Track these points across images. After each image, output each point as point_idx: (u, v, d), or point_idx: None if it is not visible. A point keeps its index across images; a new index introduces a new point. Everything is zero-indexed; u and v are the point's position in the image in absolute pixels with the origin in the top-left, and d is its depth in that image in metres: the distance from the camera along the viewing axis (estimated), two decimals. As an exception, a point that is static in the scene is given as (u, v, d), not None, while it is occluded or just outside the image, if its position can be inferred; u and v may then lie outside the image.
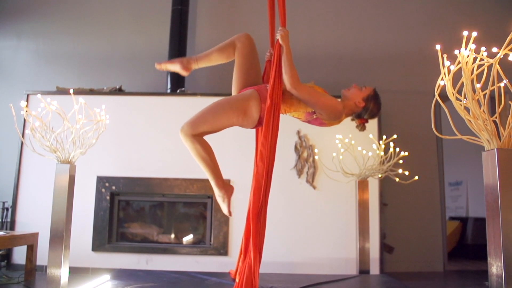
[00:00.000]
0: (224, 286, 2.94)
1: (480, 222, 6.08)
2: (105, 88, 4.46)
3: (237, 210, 4.08)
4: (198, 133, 2.28)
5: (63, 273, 2.59)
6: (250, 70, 2.51)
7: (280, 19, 2.44)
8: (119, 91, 4.40)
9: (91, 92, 4.32)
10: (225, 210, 2.39)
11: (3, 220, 4.10)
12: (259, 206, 2.15)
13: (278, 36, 2.33)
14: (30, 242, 3.64)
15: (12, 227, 4.07)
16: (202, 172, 4.10)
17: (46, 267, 3.00)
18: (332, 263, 3.96)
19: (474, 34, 1.92)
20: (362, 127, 2.52)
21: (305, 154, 4.19)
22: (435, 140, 4.82)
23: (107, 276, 3.06)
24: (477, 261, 5.43)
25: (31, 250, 3.65)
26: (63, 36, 5.09)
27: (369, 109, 2.45)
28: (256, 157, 2.33)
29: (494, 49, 1.90)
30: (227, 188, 2.35)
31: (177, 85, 4.60)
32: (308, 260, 3.98)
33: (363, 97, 2.43)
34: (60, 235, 2.61)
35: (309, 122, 2.47)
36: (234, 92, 2.54)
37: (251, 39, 2.51)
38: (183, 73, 2.52)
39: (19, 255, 3.99)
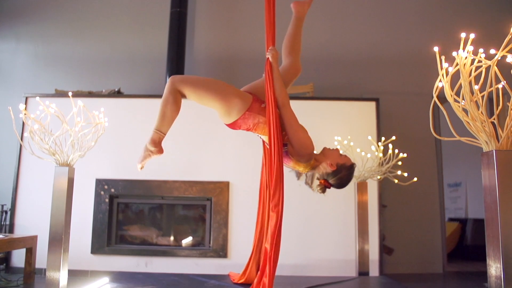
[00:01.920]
0: (225, 287, 2.94)
1: (479, 223, 6.08)
2: (103, 90, 4.46)
3: (236, 213, 4.09)
4: (181, 88, 2.32)
5: (62, 276, 2.58)
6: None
7: (267, 39, 2.47)
8: (117, 94, 4.40)
9: (90, 94, 4.32)
10: (141, 161, 2.41)
11: (2, 223, 4.09)
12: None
13: (269, 56, 2.38)
14: (29, 245, 3.64)
15: (11, 230, 4.06)
16: (201, 174, 4.12)
17: (45, 270, 3.00)
18: (331, 265, 3.96)
19: (472, 35, 1.92)
20: (322, 189, 2.46)
21: (304, 156, 4.18)
22: (434, 141, 4.82)
23: (106, 279, 3.06)
24: (477, 262, 5.43)
25: (30, 253, 3.64)
26: (61, 38, 5.09)
27: (337, 176, 2.39)
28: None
29: (492, 51, 1.90)
30: (159, 148, 2.39)
31: (176, 87, 4.60)
32: (307, 262, 3.97)
33: (337, 162, 2.39)
34: (59, 238, 2.60)
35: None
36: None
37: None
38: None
39: (18, 258, 3.98)
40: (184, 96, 2.34)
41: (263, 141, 2.65)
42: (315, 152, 2.42)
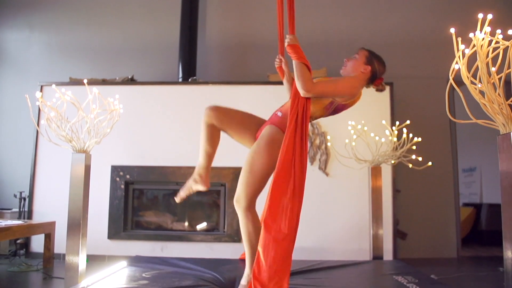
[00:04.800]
0: (240, 270, 2.97)
1: (494, 208, 6.04)
2: (117, 78, 4.49)
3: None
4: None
5: (81, 261, 2.63)
6: (246, 122, 2.60)
7: (289, 25, 2.40)
8: (131, 81, 4.42)
9: (104, 82, 4.36)
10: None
11: (21, 209, 4.18)
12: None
13: (287, 43, 2.31)
14: (48, 230, 3.71)
15: (29, 217, 4.15)
16: (215, 160, 4.13)
17: (63, 255, 3.07)
18: (345, 250, 3.98)
19: (490, 16, 1.89)
20: (381, 86, 2.53)
21: (317, 141, 4.19)
22: (448, 126, 4.78)
23: (124, 263, 3.11)
24: (491, 247, 5.41)
25: (49, 239, 3.72)
26: (74, 27, 5.12)
27: (376, 68, 2.44)
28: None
29: (510, 32, 1.87)
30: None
31: (189, 74, 4.62)
32: (322, 246, 4.00)
33: (363, 62, 2.43)
34: (77, 224, 2.65)
35: (332, 113, 2.48)
36: (247, 142, 2.61)
37: (214, 109, 2.50)
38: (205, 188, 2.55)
39: (37, 243, 4.07)
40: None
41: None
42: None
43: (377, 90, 2.54)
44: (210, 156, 2.48)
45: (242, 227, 2.30)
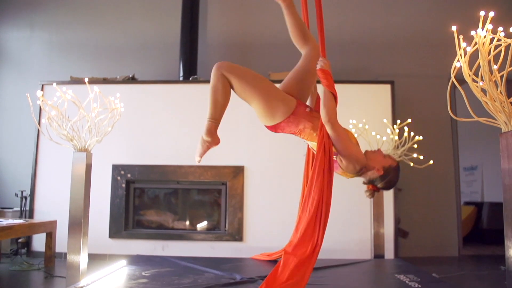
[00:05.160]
0: (241, 268, 2.97)
1: (495, 207, 6.03)
2: (118, 77, 4.48)
3: (251, 197, 4.11)
4: (228, 75, 2.15)
5: (82, 259, 2.63)
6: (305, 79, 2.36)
7: (319, 31, 2.28)
8: (132, 80, 4.42)
9: (105, 81, 4.35)
10: (199, 155, 2.29)
11: (22, 208, 4.18)
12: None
13: (319, 66, 2.20)
14: (49, 229, 3.72)
15: (31, 215, 4.15)
16: (216, 159, 4.14)
17: (64, 254, 3.07)
18: (347, 248, 3.97)
19: (491, 14, 1.89)
20: (371, 193, 2.40)
21: (318, 140, 4.18)
22: (449, 124, 4.77)
23: (123, 262, 3.12)
24: (492, 246, 5.40)
25: (50, 238, 3.72)
26: (75, 26, 5.12)
27: (386, 179, 2.31)
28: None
29: (512, 29, 1.87)
30: (214, 137, 2.21)
31: (190, 72, 4.61)
32: (323, 245, 3.98)
33: (384, 166, 2.29)
34: (78, 223, 2.65)
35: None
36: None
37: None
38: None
39: (38, 242, 4.07)
40: (229, 79, 2.17)
41: (308, 146, 2.56)
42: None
43: (366, 192, 2.42)
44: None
45: (212, 86, 2.19)
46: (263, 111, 2.22)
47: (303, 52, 2.45)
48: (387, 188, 2.37)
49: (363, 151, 2.31)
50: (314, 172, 2.16)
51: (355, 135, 2.50)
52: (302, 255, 2.09)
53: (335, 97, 2.16)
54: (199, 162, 2.28)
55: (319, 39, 2.28)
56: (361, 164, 2.25)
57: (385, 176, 2.30)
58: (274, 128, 2.29)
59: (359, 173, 2.30)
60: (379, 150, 2.36)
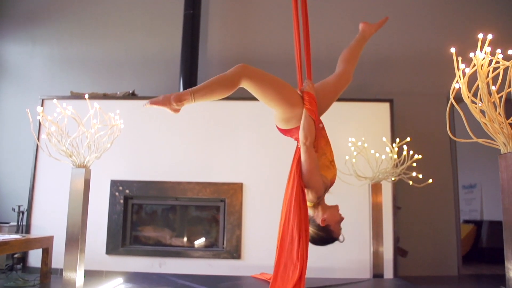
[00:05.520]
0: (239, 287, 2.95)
1: (495, 226, 6.01)
2: (118, 92, 4.50)
3: (249, 214, 4.09)
4: (248, 80, 2.07)
5: (79, 276, 2.61)
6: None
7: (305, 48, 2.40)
8: (132, 96, 4.44)
9: (105, 96, 4.37)
10: (153, 102, 2.02)
11: (19, 223, 4.15)
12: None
13: (305, 87, 2.26)
14: (45, 245, 3.68)
15: (27, 231, 4.12)
16: (215, 175, 4.13)
17: (61, 270, 3.04)
18: (346, 267, 3.94)
19: (490, 36, 1.90)
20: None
21: (317, 158, 4.17)
22: (448, 142, 4.78)
23: (120, 279, 3.09)
24: (492, 265, 5.36)
25: (47, 253, 3.69)
26: (76, 41, 5.15)
27: (318, 232, 2.29)
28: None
29: (510, 52, 1.88)
30: (178, 106, 2.02)
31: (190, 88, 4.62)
32: (321, 264, 3.96)
33: (328, 223, 2.27)
34: (75, 239, 2.63)
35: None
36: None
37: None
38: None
39: (35, 258, 4.03)
40: (246, 80, 2.08)
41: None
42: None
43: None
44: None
45: (224, 78, 2.07)
46: (281, 116, 2.23)
47: (338, 67, 2.57)
48: (312, 239, 2.29)
49: (323, 201, 2.29)
50: (291, 193, 2.17)
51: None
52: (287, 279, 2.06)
53: (314, 122, 2.19)
54: (145, 106, 2.04)
55: (305, 59, 2.35)
56: (315, 197, 2.23)
57: (321, 229, 2.27)
58: (284, 132, 2.32)
59: (312, 204, 2.26)
60: (336, 206, 2.34)
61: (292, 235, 2.13)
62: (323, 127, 2.36)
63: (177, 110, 2.04)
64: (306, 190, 2.22)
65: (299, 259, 2.11)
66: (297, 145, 2.37)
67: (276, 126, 2.33)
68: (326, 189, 2.29)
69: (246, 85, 2.09)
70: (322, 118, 2.43)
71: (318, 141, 2.28)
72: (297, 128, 2.22)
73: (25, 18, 5.23)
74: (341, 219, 2.33)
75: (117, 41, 5.16)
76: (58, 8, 5.25)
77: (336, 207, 2.32)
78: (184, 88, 4.64)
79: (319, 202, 2.26)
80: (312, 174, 2.19)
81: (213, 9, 5.22)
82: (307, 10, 2.50)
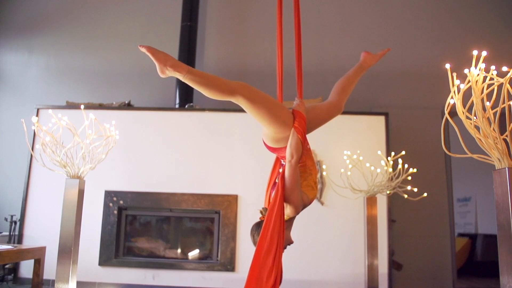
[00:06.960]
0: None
1: (489, 239, 6.01)
2: (114, 103, 4.49)
3: (244, 226, 4.07)
4: (244, 99, 2.09)
5: (71, 288, 2.58)
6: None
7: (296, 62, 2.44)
8: (128, 106, 4.43)
9: (101, 107, 4.36)
10: (148, 49, 2.10)
11: (11, 233, 4.11)
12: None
13: (294, 106, 2.30)
14: (38, 256, 3.64)
15: (19, 241, 4.07)
16: (209, 187, 4.12)
17: (53, 281, 3.01)
18: (340, 280, 3.92)
19: (484, 53, 1.92)
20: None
21: (312, 170, 4.17)
22: (443, 156, 4.80)
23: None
24: (487, 278, 5.35)
25: (38, 264, 3.64)
26: (73, 51, 5.16)
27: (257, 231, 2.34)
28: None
29: (504, 68, 1.90)
30: (168, 72, 2.05)
31: (186, 100, 4.64)
32: (316, 277, 3.94)
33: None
34: (68, 250, 2.61)
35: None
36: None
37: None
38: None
39: (26, 269, 3.99)
40: (241, 96, 2.08)
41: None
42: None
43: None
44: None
45: (220, 89, 2.06)
46: (272, 135, 2.26)
47: (331, 96, 2.55)
48: (252, 231, 2.39)
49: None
50: (273, 203, 2.19)
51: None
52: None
53: (302, 142, 2.22)
54: (140, 46, 2.08)
55: (297, 77, 2.38)
56: (292, 212, 2.27)
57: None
58: (272, 150, 2.35)
59: (288, 218, 2.30)
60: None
61: (270, 242, 2.15)
62: (309, 148, 2.37)
63: (164, 74, 2.04)
64: (285, 204, 2.25)
65: (275, 266, 2.10)
66: (276, 157, 2.44)
67: (263, 142, 2.35)
68: (304, 207, 2.33)
69: (240, 102, 2.11)
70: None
71: (306, 161, 2.32)
72: (285, 148, 2.24)
73: (22, 28, 5.24)
74: (291, 242, 2.37)
75: (114, 51, 5.17)
76: (55, 18, 5.26)
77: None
78: (180, 100, 4.65)
79: (290, 219, 2.32)
80: (293, 191, 2.22)
81: (210, 21, 5.25)
82: (300, 27, 2.52)
